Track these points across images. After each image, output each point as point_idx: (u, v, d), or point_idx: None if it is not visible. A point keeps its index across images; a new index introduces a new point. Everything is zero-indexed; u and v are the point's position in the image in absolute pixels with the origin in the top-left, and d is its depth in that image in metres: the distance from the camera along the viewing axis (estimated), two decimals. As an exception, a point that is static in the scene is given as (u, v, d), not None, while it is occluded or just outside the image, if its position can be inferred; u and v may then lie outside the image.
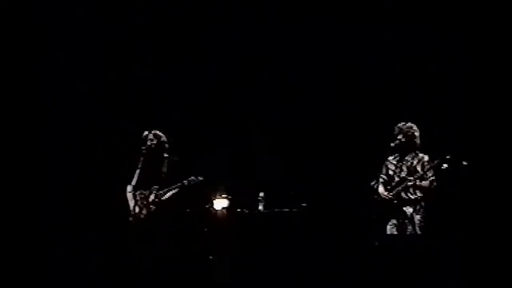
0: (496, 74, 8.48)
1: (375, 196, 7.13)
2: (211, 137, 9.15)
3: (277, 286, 7.57)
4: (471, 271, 7.39)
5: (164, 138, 7.29)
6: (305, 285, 7.56)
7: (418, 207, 6.88)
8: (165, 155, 7.29)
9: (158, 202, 7.15)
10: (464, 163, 6.71)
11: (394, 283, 6.68)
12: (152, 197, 7.17)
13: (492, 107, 8.37)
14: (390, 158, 7.12)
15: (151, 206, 7.18)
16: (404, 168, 7.01)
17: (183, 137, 8.24)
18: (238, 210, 8.06)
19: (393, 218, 7.00)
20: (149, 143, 7.26)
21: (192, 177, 7.20)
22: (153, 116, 8.99)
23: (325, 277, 7.59)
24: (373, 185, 7.18)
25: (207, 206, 7.89)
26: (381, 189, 7.11)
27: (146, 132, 7.30)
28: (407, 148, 6.98)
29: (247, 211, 8.08)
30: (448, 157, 6.81)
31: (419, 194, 6.87)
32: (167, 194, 7.19)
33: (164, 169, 7.25)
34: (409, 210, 6.93)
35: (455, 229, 7.85)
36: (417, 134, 6.98)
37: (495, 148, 8.13)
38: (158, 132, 7.31)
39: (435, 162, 6.85)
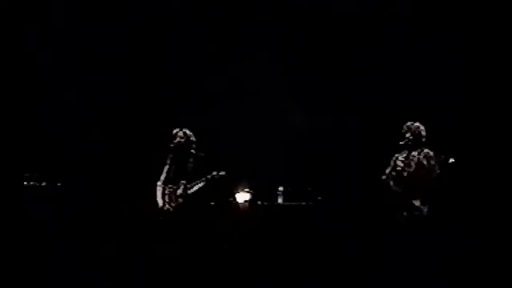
0: (495, 71, 8.81)
1: (386, 190, 7.49)
2: (234, 133, 9.48)
3: (293, 276, 7.72)
4: (475, 256, 7.57)
5: (193, 137, 7.73)
6: (319, 274, 7.72)
7: (425, 198, 7.28)
8: (192, 151, 7.70)
9: (185, 196, 7.59)
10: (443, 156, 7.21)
11: (404, 269, 6.98)
12: (180, 191, 7.61)
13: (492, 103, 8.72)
14: (398, 154, 7.51)
15: (179, 199, 7.62)
16: (412, 163, 7.41)
17: (208, 133, 8.45)
18: (259, 202, 8.51)
19: (403, 209, 7.35)
20: (178, 140, 7.69)
21: (215, 172, 7.62)
22: (177, 114, 9.30)
23: (338, 267, 7.79)
24: (385, 179, 7.52)
25: (230, 199, 8.36)
26: (391, 183, 7.47)
27: (176, 130, 7.73)
28: (414, 145, 7.41)
29: (267, 204, 8.55)
30: (454, 153, 7.19)
31: (426, 187, 7.27)
32: (193, 188, 7.63)
33: (191, 165, 7.68)
34: (417, 201, 7.30)
35: (460, 218, 8.18)
36: (423, 133, 7.42)
37: (495, 144, 8.52)
38: (187, 130, 7.73)
39: (441, 158, 7.24)
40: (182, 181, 7.63)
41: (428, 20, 9.17)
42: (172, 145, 7.69)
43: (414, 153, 7.43)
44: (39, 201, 8.80)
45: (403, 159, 7.48)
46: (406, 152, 7.46)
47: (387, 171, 7.56)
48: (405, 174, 7.42)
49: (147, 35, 9.80)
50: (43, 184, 9.02)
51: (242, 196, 8.49)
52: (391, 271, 7.08)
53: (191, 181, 7.64)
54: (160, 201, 7.67)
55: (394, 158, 7.54)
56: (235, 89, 9.93)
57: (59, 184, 9.08)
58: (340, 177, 9.01)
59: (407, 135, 7.42)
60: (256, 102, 9.77)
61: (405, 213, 7.33)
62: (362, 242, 8.01)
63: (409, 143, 7.43)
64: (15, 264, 7.55)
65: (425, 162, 7.37)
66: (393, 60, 9.21)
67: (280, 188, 8.66)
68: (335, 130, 9.35)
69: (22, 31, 9.49)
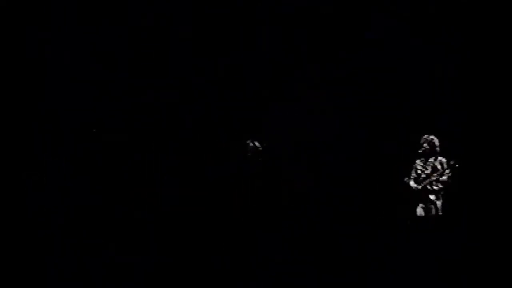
0: (495, 72, 9.19)
1: (407, 188, 8.84)
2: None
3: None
4: (475, 256, 7.43)
5: (261, 148, 9.14)
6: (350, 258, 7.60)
7: (439, 195, 8.75)
8: (260, 159, 9.17)
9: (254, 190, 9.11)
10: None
11: (420, 253, 7.48)
12: (251, 186, 9.04)
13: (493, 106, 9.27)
14: (418, 160, 8.90)
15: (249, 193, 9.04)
16: (429, 168, 8.77)
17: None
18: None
19: (421, 203, 8.81)
20: (250, 148, 9.17)
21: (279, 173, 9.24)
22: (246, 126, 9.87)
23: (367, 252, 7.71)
24: (407, 180, 8.92)
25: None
26: (412, 183, 8.90)
27: (248, 141, 9.15)
28: (430, 153, 8.80)
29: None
30: (461, 158, 8.55)
31: (440, 186, 8.74)
32: (258, 185, 9.05)
33: (258, 167, 9.16)
34: (432, 197, 8.76)
35: (468, 210, 8.82)
36: (437, 143, 8.79)
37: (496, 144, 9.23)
38: (256, 142, 9.13)
39: (451, 163, 8.63)
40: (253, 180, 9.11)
41: (429, 20, 9.33)
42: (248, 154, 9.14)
43: (431, 159, 8.78)
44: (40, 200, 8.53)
45: (421, 164, 8.86)
46: (424, 158, 8.84)
47: (410, 174, 8.90)
48: (423, 176, 8.78)
49: (147, 35, 9.71)
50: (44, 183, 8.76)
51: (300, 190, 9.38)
52: (392, 271, 7.25)
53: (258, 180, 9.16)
54: (236, 196, 9.04)
55: (415, 164, 8.95)
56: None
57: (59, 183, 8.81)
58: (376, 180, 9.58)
59: (425, 145, 8.81)
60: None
61: (422, 206, 8.79)
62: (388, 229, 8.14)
63: (426, 151, 8.81)
64: (15, 263, 7.19)
65: (439, 167, 8.72)
66: (395, 62, 9.49)
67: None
68: (339, 132, 9.70)
69: (22, 31, 9.09)
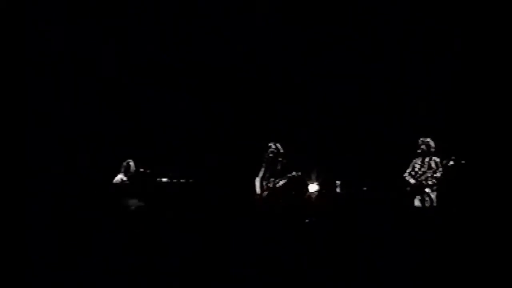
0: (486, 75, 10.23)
1: (406, 183, 9.96)
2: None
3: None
4: (473, 232, 7.55)
5: (281, 150, 10.23)
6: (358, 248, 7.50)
7: (434, 188, 9.81)
8: (280, 159, 10.24)
9: (274, 188, 10.20)
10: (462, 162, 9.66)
11: (418, 240, 7.46)
12: (270, 184, 10.20)
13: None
14: (416, 159, 10.00)
15: (270, 190, 10.22)
16: (425, 166, 9.87)
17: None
18: (323, 191, 10.76)
19: (418, 195, 9.85)
20: (271, 150, 10.26)
21: (294, 173, 10.18)
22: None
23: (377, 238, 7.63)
24: (406, 176, 10.04)
25: (304, 190, 10.58)
26: (410, 179, 10.01)
27: (270, 144, 10.20)
28: (426, 153, 9.94)
29: (328, 193, 10.78)
30: (453, 157, 9.70)
31: (434, 181, 9.82)
32: (279, 183, 10.15)
33: (278, 167, 10.25)
34: (428, 190, 9.84)
35: (459, 202, 9.62)
36: (432, 145, 9.97)
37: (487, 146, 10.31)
38: (278, 144, 10.22)
39: (444, 162, 9.79)
40: (272, 179, 10.17)
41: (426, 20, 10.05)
42: (267, 154, 10.21)
43: (427, 159, 9.92)
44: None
45: (419, 162, 9.99)
46: (421, 158, 9.97)
47: (408, 170, 10.00)
48: (420, 172, 9.92)
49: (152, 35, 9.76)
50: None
51: (313, 187, 10.60)
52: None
53: (279, 178, 10.14)
54: (258, 191, 10.36)
55: (412, 162, 10.03)
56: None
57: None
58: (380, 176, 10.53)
59: (422, 146, 9.97)
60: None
61: (419, 198, 9.92)
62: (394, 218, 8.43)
63: (423, 152, 9.93)
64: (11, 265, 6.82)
65: (433, 165, 9.86)
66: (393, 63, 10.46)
67: (338, 182, 10.99)
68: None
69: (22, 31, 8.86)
